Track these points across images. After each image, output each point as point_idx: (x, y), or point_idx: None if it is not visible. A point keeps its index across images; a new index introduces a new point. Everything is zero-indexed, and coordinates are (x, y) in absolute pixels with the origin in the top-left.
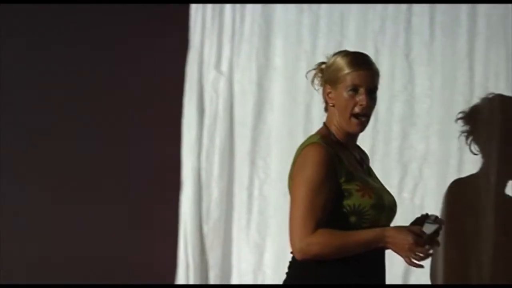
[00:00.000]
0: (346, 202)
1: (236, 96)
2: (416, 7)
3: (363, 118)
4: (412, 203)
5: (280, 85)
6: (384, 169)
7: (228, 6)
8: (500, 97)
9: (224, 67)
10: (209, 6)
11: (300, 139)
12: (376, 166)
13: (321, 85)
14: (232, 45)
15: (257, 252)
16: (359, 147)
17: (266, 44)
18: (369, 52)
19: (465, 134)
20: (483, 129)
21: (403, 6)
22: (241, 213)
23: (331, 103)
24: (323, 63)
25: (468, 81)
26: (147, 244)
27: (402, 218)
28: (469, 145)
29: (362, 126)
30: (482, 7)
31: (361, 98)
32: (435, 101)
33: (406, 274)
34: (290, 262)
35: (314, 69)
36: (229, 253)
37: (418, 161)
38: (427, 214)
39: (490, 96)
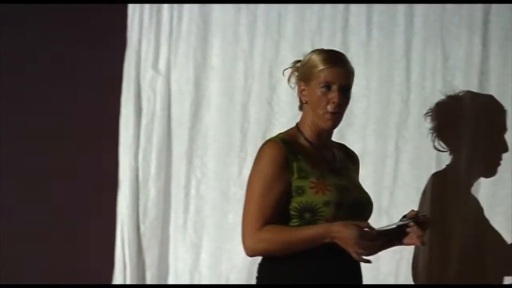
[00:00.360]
0: (299, 199)
1: (174, 95)
2: (353, 6)
3: (335, 114)
4: None
5: (217, 84)
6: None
7: (165, 5)
8: (471, 94)
9: (162, 66)
10: (147, 5)
11: (237, 139)
12: None
13: (296, 83)
14: (169, 44)
15: (194, 251)
16: (344, 147)
17: (204, 43)
18: (306, 51)
19: (432, 130)
20: (452, 126)
21: (340, 5)
22: (178, 213)
23: (305, 100)
24: (298, 61)
25: (405, 80)
26: (84, 243)
27: None
28: (433, 142)
29: (334, 122)
30: (419, 7)
31: (333, 95)
32: (372, 101)
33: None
34: (259, 264)
35: (290, 67)
36: (166, 252)
37: None
38: (417, 213)
39: (460, 93)
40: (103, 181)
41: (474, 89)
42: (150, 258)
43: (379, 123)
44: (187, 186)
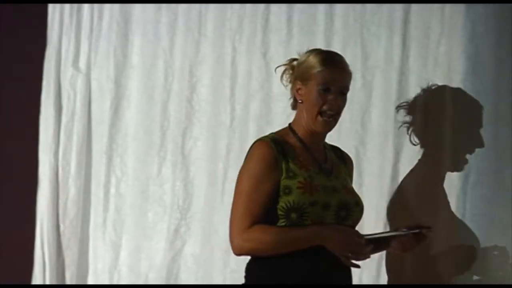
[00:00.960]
0: (286, 199)
1: (94, 93)
2: (274, 6)
3: (330, 118)
4: None
5: (137, 82)
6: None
7: (86, 4)
8: (452, 89)
9: (82, 64)
10: (67, 4)
11: (157, 137)
12: (231, 164)
13: (291, 81)
14: (90, 43)
15: (113, 250)
16: (337, 149)
17: (124, 42)
18: (226, 50)
19: (407, 124)
20: (430, 120)
21: (261, 5)
22: (98, 211)
23: (300, 100)
24: (294, 59)
25: None
26: (3, 242)
27: None
28: (410, 136)
29: (328, 126)
30: (339, 7)
31: (331, 97)
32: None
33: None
34: (247, 263)
35: (284, 64)
36: (85, 251)
37: None
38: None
39: (435, 87)
40: (24, 180)
41: (393, 88)
42: (70, 257)
43: None
44: (106, 184)
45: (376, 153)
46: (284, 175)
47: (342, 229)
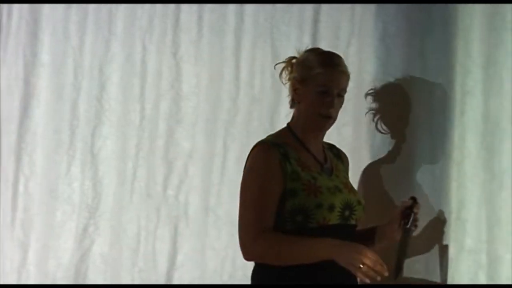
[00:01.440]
0: (292, 201)
1: (3, 92)
2: (185, 5)
3: (328, 118)
4: (177, 200)
5: (46, 81)
6: (150, 166)
7: None
8: (413, 80)
9: None
10: None
11: (66, 136)
12: (141, 163)
13: (289, 80)
14: None
15: (21, 249)
16: (333, 147)
17: (34, 40)
18: (137, 50)
19: (373, 111)
20: (392, 110)
21: (172, 4)
22: (6, 210)
23: (298, 100)
24: (293, 57)
25: (233, 79)
26: None
27: (166, 214)
28: (376, 124)
29: (326, 126)
30: (249, 6)
31: (329, 99)
32: (201, 99)
33: None
34: (253, 269)
35: (283, 62)
36: None
37: (183, 159)
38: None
39: (405, 77)
40: None
41: None
42: None
43: (208, 121)
44: (15, 183)
45: None
46: (289, 177)
47: (355, 248)
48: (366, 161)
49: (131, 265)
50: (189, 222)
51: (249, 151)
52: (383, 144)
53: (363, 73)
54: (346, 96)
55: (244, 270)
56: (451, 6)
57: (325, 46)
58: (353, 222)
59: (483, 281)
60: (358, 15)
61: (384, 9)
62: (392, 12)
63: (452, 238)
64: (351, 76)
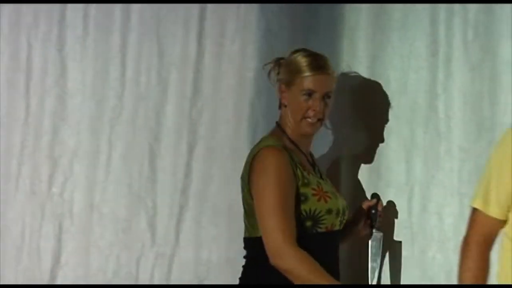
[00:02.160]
0: (303, 207)
1: None
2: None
3: (315, 120)
4: (61, 197)
5: None
6: (35, 163)
7: None
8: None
9: None
10: None
11: None
12: (26, 160)
13: (277, 81)
14: None
15: None
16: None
17: None
18: (22, 46)
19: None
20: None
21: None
22: None
23: (284, 104)
24: (281, 58)
25: (119, 76)
26: None
27: (51, 212)
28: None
29: (314, 127)
30: (135, 4)
31: (315, 103)
32: (86, 96)
33: None
34: (243, 266)
35: (270, 63)
36: None
37: (68, 156)
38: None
39: (351, 74)
40: None
41: (188, 85)
42: None
43: (93, 118)
44: None
45: (171, 150)
46: (300, 181)
47: None
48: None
49: (16, 262)
50: (74, 220)
51: (134, 149)
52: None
53: (244, 70)
54: (226, 93)
55: (128, 268)
56: (337, 5)
57: (210, 43)
58: (341, 227)
59: None
60: (243, 12)
61: (268, 8)
62: (275, 10)
63: None
64: (234, 72)
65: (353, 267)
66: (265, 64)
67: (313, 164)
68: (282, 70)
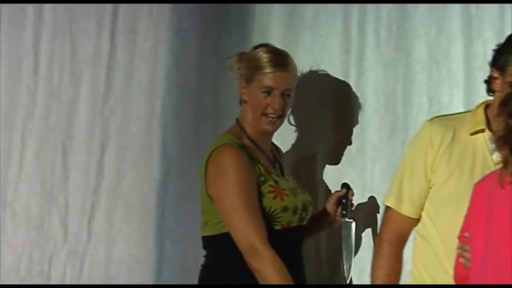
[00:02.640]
0: (259, 204)
1: None
2: None
3: (275, 117)
4: None
5: None
6: None
7: None
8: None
9: None
10: None
11: None
12: None
13: (238, 76)
14: None
15: None
16: (273, 144)
17: None
18: None
19: None
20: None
21: None
22: None
23: (244, 100)
24: (243, 53)
25: (32, 73)
26: None
27: None
28: (288, 117)
29: (274, 125)
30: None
31: (274, 101)
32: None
33: None
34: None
35: (233, 57)
36: None
37: None
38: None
39: (319, 72)
40: None
41: (101, 83)
42: None
43: (6, 115)
44: None
45: (83, 147)
46: (258, 179)
47: None
48: (157, 156)
49: None
50: None
51: (47, 146)
52: (174, 139)
53: (156, 68)
54: (138, 90)
55: (41, 266)
56: (249, 4)
57: (123, 41)
58: (305, 222)
59: None
60: (155, 11)
61: (180, 6)
62: (187, 9)
63: None
64: (147, 70)
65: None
66: (227, 59)
67: (274, 161)
68: (243, 65)
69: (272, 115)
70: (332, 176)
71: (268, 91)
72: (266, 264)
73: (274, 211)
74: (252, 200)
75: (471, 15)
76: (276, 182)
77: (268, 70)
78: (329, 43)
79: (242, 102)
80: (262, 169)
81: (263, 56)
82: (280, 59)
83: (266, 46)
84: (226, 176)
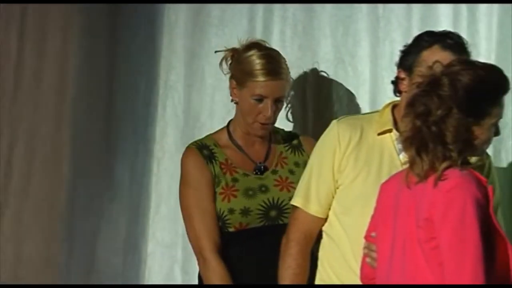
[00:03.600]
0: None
1: None
2: None
3: (265, 125)
4: None
5: None
6: None
7: None
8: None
9: None
10: None
11: None
12: None
13: (229, 72)
14: None
15: None
16: (294, 137)
17: None
18: None
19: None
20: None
21: None
22: None
23: (235, 101)
24: (235, 49)
25: None
26: None
27: None
28: (286, 113)
29: (265, 130)
30: None
31: (266, 108)
32: None
33: None
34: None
35: (224, 50)
36: None
37: None
38: None
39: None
40: None
41: (10, 83)
42: None
43: None
44: None
45: None
46: (213, 181)
47: None
48: (67, 157)
49: None
50: None
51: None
52: (83, 140)
53: (68, 68)
54: (48, 91)
55: None
56: (156, 4)
57: (32, 40)
58: (284, 221)
59: (178, 275)
60: (64, 11)
61: (89, 7)
62: (96, 9)
63: (150, 233)
64: (55, 70)
65: None
66: (217, 51)
67: (257, 161)
68: (234, 65)
69: (263, 122)
70: None
71: (260, 99)
72: (209, 272)
73: (223, 213)
74: (203, 204)
75: (378, 16)
76: (232, 182)
77: (261, 78)
78: (235, 41)
79: (232, 100)
80: (219, 171)
81: (256, 62)
82: (274, 67)
83: (259, 48)
84: (181, 180)
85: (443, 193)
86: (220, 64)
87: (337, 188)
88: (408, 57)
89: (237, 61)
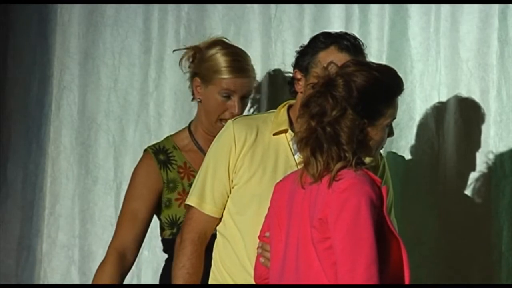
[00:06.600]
0: (167, 212)
1: None
2: None
3: None
4: None
5: None
6: None
7: None
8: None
9: None
10: None
11: None
12: None
13: (190, 71)
14: None
15: None
16: None
17: None
18: None
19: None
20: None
21: None
22: None
23: (199, 99)
24: (197, 47)
25: None
26: None
27: None
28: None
29: None
30: None
31: (233, 105)
32: None
33: None
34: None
35: (183, 49)
36: None
37: None
38: None
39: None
40: None
41: None
42: None
43: None
44: None
45: None
46: (165, 187)
47: None
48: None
49: None
50: None
51: None
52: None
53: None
54: None
55: None
56: (49, 4)
57: None
58: None
59: (75, 276)
60: None
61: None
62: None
63: (45, 233)
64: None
65: None
66: (175, 50)
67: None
68: (197, 63)
69: (228, 119)
70: None
71: (228, 95)
72: (99, 268)
73: (179, 219)
74: (134, 208)
75: (270, 16)
76: (189, 187)
77: (227, 76)
78: (129, 42)
79: (194, 98)
80: (176, 176)
81: (221, 59)
82: (241, 64)
83: (222, 44)
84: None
85: (337, 193)
86: (180, 62)
87: (232, 187)
88: (305, 57)
89: (201, 59)
